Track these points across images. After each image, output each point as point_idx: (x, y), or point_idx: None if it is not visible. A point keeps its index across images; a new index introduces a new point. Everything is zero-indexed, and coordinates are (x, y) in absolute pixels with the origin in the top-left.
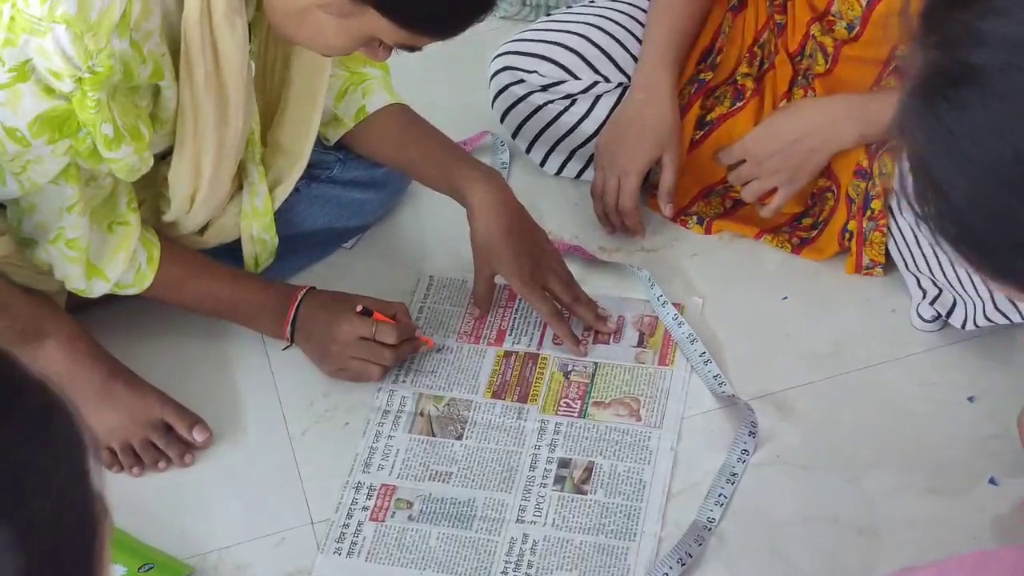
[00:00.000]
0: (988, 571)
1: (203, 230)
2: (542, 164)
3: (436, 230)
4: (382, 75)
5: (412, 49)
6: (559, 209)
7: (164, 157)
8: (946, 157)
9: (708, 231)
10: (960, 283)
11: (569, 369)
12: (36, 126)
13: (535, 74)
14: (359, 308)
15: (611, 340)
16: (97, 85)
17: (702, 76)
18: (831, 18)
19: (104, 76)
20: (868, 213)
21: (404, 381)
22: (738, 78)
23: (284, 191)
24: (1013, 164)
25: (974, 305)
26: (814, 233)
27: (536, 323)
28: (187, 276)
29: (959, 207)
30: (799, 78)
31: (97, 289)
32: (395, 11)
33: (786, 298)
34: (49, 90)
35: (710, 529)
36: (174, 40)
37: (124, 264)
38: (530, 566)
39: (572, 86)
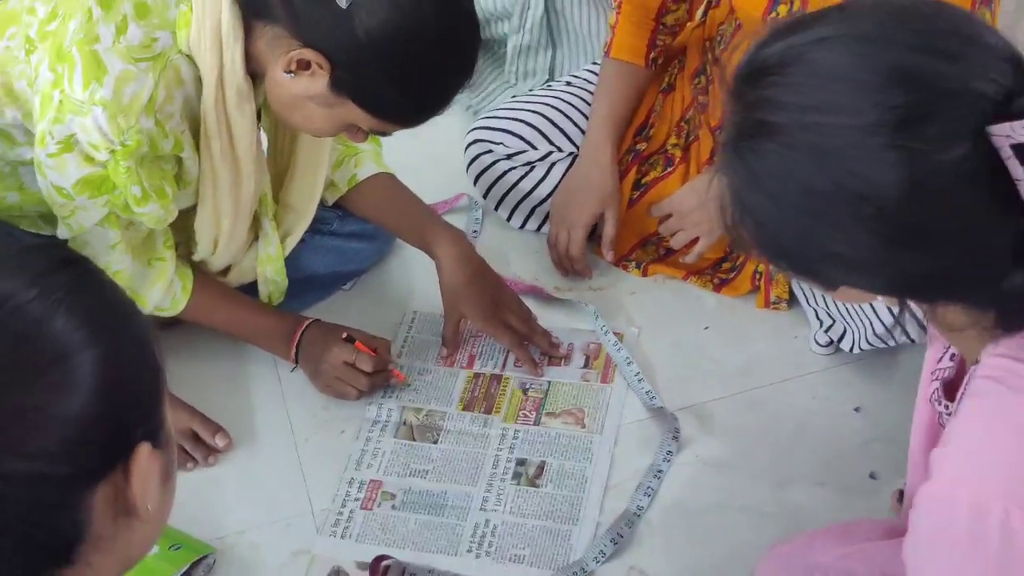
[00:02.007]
0: (850, 536)
1: (226, 271)
2: (508, 219)
3: (419, 274)
4: (373, 148)
5: (383, 134)
6: (522, 257)
7: (192, 208)
8: (755, 192)
9: (644, 274)
10: (848, 314)
11: (527, 387)
12: (78, 186)
13: (501, 145)
14: (344, 335)
15: (562, 363)
16: (127, 156)
17: (638, 147)
18: None
19: (133, 148)
20: None
21: (391, 396)
22: (668, 148)
23: (292, 241)
24: (803, 195)
25: (859, 332)
26: (731, 275)
27: (500, 350)
28: (215, 303)
29: (767, 227)
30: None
31: None
32: (369, 105)
33: (707, 328)
34: (89, 159)
35: (639, 515)
36: (194, 119)
37: (161, 293)
38: (491, 546)
39: (531, 155)
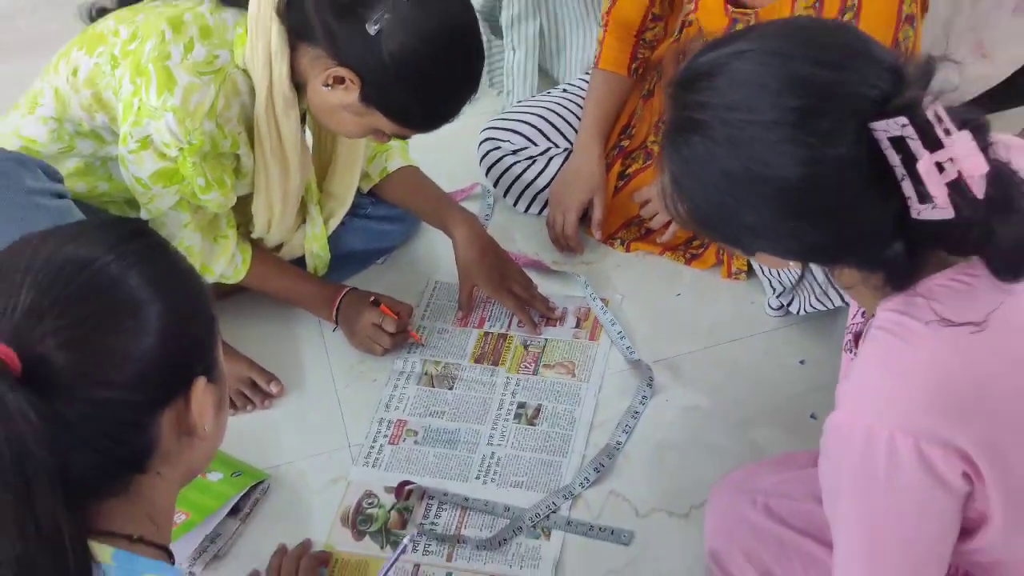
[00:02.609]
0: (789, 464)
1: (279, 247)
2: (514, 205)
3: (439, 251)
4: (400, 145)
5: (403, 137)
6: (526, 236)
7: (249, 196)
8: (686, 176)
9: (627, 250)
10: (793, 289)
11: (527, 343)
12: (154, 177)
13: (508, 143)
14: (372, 299)
15: (557, 324)
16: (193, 153)
17: (623, 143)
18: None
19: (197, 147)
20: None
21: (415, 351)
22: (648, 144)
23: (334, 223)
24: (722, 177)
25: (804, 298)
26: (700, 251)
27: (506, 313)
28: (270, 273)
29: (697, 205)
30: None
31: (207, 280)
32: (392, 114)
33: (679, 295)
34: (162, 155)
35: (618, 449)
36: (249, 123)
37: (225, 264)
38: (495, 474)
39: (532, 151)
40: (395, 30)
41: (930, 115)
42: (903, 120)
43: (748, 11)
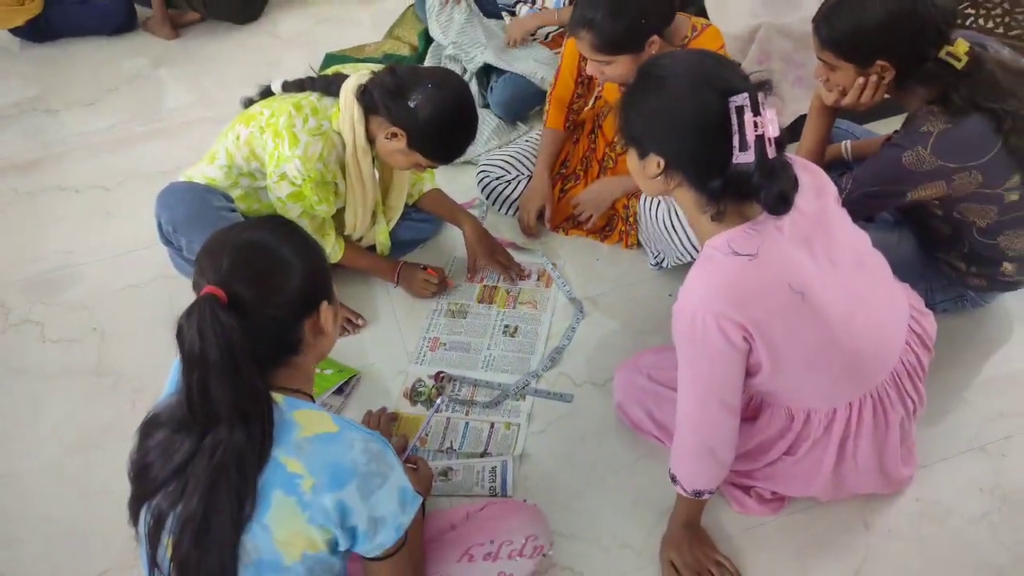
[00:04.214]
0: (660, 351)
1: (360, 240)
2: (499, 210)
3: (455, 240)
4: (430, 175)
5: (433, 167)
6: (507, 228)
7: (342, 209)
8: (629, 110)
9: (566, 234)
10: (666, 247)
11: (509, 291)
12: (288, 197)
13: (495, 172)
14: (423, 267)
15: (527, 279)
16: (311, 182)
17: (562, 171)
18: (614, 144)
19: (314, 178)
20: (629, 222)
21: (443, 298)
22: (577, 171)
23: (392, 224)
24: (671, 114)
25: (670, 257)
26: (609, 232)
27: (496, 276)
28: (356, 254)
29: (631, 126)
30: (602, 171)
31: None
32: (426, 154)
33: (598, 259)
34: (292, 183)
35: (563, 348)
36: (342, 164)
37: (329, 249)
38: (492, 365)
39: (508, 177)
40: (426, 104)
41: (759, 99)
42: (744, 97)
43: None
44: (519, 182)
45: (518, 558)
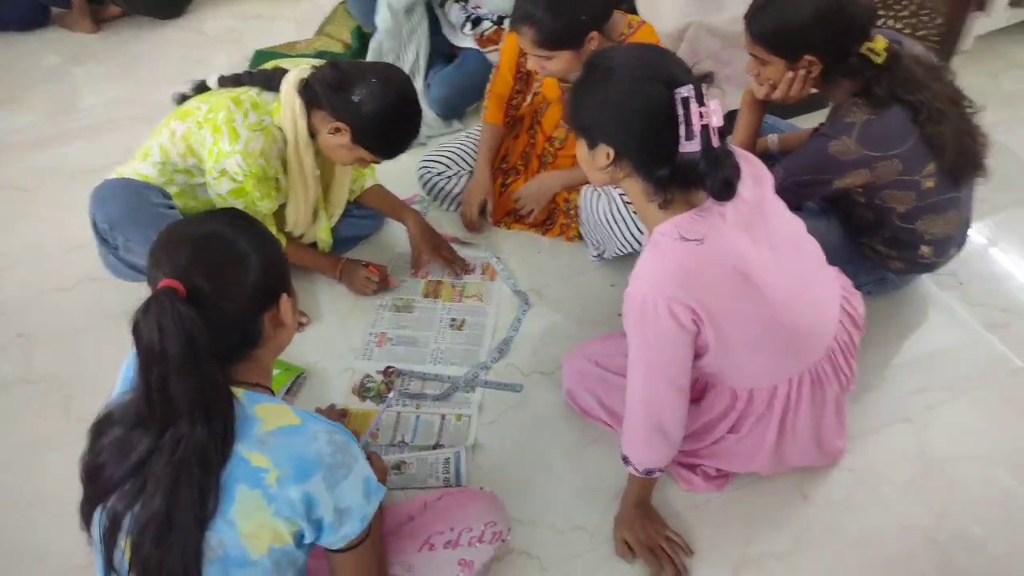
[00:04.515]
0: (607, 338)
1: (301, 237)
2: (440, 205)
3: (397, 235)
4: (370, 171)
5: (376, 162)
6: (449, 223)
7: (283, 205)
8: (577, 99)
9: (508, 228)
10: (606, 239)
11: (454, 285)
12: (229, 194)
13: (436, 168)
14: (364, 264)
15: (472, 274)
16: (252, 177)
17: (502, 166)
18: (553, 139)
19: (255, 174)
20: (570, 215)
21: (388, 294)
22: (517, 166)
23: (333, 220)
24: (619, 105)
25: (611, 249)
26: (550, 226)
27: (441, 271)
28: (298, 251)
29: (580, 116)
30: (542, 166)
31: None
32: (370, 149)
33: (540, 252)
34: (233, 179)
35: (509, 341)
36: (284, 160)
37: None
38: (441, 358)
39: (450, 172)
40: (370, 99)
41: (703, 89)
42: (689, 88)
43: (569, 84)
44: (460, 177)
45: (478, 544)
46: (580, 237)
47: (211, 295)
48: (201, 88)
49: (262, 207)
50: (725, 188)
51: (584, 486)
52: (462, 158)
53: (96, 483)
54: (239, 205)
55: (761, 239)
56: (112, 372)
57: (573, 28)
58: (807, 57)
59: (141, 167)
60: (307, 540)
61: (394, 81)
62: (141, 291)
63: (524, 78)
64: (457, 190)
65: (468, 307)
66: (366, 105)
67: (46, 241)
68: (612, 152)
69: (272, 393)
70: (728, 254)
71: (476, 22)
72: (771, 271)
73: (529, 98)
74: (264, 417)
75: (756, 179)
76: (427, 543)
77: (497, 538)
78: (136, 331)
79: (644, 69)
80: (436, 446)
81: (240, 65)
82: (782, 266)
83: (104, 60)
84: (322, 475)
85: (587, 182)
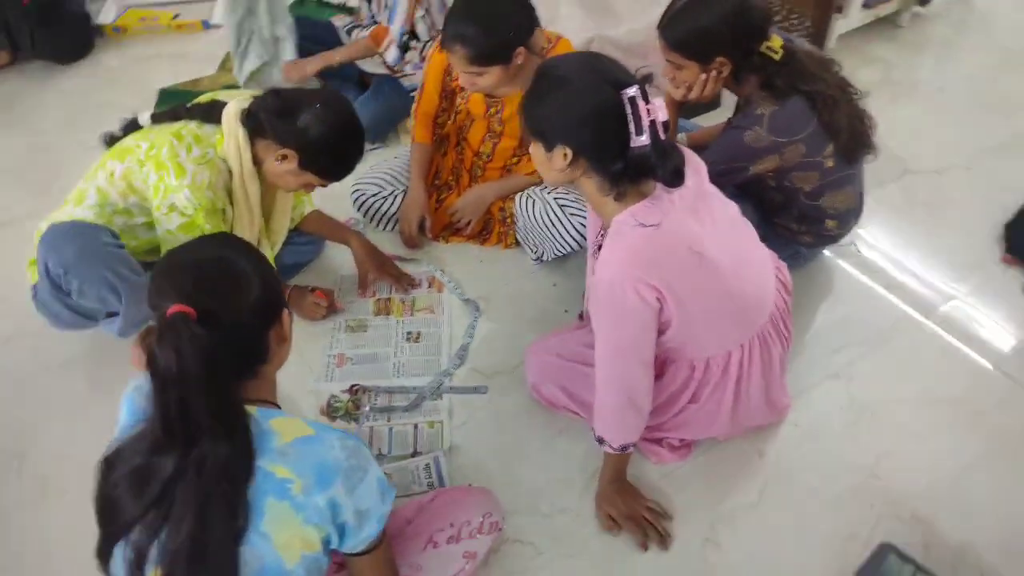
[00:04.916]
0: (563, 332)
1: None
2: (376, 226)
3: (341, 258)
4: (308, 198)
5: (324, 186)
6: (388, 242)
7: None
8: (531, 108)
9: (447, 241)
10: (543, 242)
11: (403, 300)
12: (178, 228)
13: (369, 190)
14: (311, 289)
15: (419, 287)
16: (202, 210)
17: (435, 182)
18: (480, 153)
19: (205, 207)
20: (507, 223)
21: (340, 316)
22: (449, 181)
23: (276, 248)
24: (574, 108)
25: (550, 251)
26: (487, 236)
27: (388, 288)
28: None
29: (534, 121)
30: (472, 179)
31: None
32: (318, 172)
33: (481, 261)
34: (183, 214)
35: (466, 347)
36: (229, 191)
37: None
38: (402, 371)
39: (384, 193)
40: (315, 123)
41: (648, 90)
42: (635, 89)
43: (497, 100)
44: (396, 197)
45: (479, 535)
46: (517, 243)
47: (220, 315)
48: (131, 126)
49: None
50: (676, 176)
51: (561, 472)
52: (396, 178)
53: (114, 518)
54: (185, 240)
55: (706, 220)
56: (65, 424)
57: (502, 45)
58: (718, 59)
59: (76, 211)
60: (333, 546)
61: (336, 104)
62: (79, 341)
63: (449, 96)
64: (392, 209)
65: (421, 320)
66: (312, 129)
67: None
68: (570, 152)
69: (279, 408)
70: (683, 235)
71: (404, 48)
72: (718, 248)
73: (452, 116)
74: (280, 430)
75: (693, 169)
76: (430, 541)
77: (494, 528)
78: (151, 361)
79: (593, 74)
80: (414, 454)
81: (147, 104)
82: (726, 243)
83: None
84: (341, 479)
85: (519, 190)
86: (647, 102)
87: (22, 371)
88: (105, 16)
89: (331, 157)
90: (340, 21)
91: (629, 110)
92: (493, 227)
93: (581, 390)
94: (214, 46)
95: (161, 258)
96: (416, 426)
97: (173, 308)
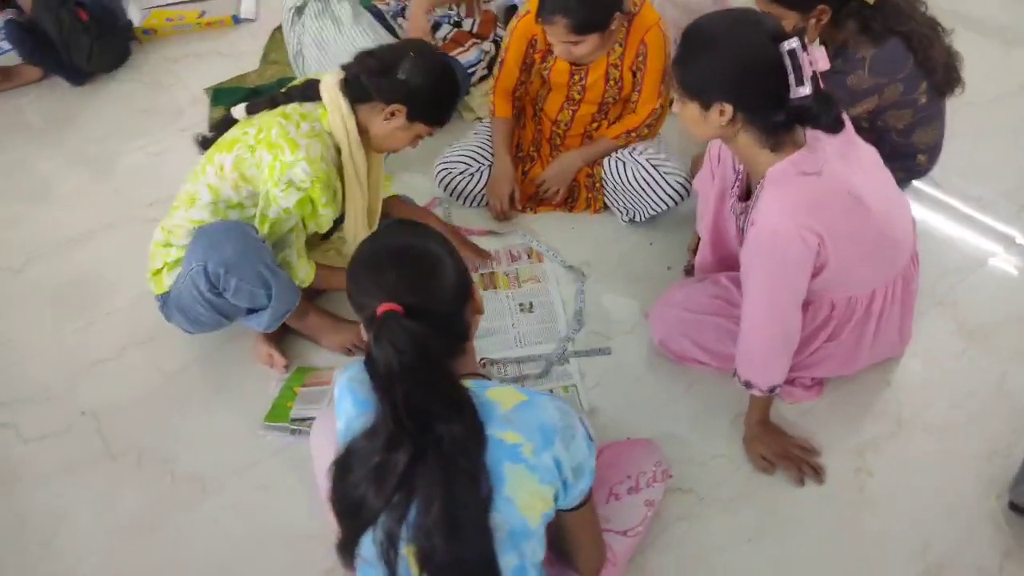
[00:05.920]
0: (683, 283)
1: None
2: (463, 204)
3: None
4: (389, 183)
5: (431, 133)
6: (477, 218)
7: (338, 223)
8: (687, 62)
9: (535, 211)
10: (635, 203)
11: (507, 273)
12: (295, 205)
13: (454, 169)
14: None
15: (522, 260)
16: (319, 182)
17: (518, 155)
18: (559, 122)
19: (321, 179)
20: (596, 188)
21: None
22: (531, 152)
23: (374, 227)
24: (734, 64)
25: (641, 212)
26: (575, 203)
27: (475, 265)
28: (327, 274)
29: (692, 75)
30: (553, 148)
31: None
32: (427, 119)
33: (573, 228)
34: (300, 188)
35: (581, 312)
36: (337, 164)
37: (300, 274)
38: (524, 340)
39: (471, 170)
40: (416, 72)
41: (806, 42)
42: (795, 41)
43: (583, 67)
44: (481, 174)
45: (655, 484)
46: (605, 207)
47: (426, 305)
48: (225, 122)
49: (325, 216)
50: (838, 122)
51: (702, 421)
52: (480, 155)
53: (359, 515)
54: (292, 221)
55: (855, 166)
56: (202, 426)
57: (603, 12)
58: (819, 7)
59: (192, 213)
60: (558, 503)
61: (426, 49)
62: (189, 347)
63: (527, 69)
64: (478, 187)
65: (529, 290)
66: (414, 79)
67: (60, 317)
68: (729, 108)
69: (488, 379)
70: (843, 181)
71: (435, 27)
72: (869, 191)
73: (526, 88)
74: (499, 399)
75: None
76: (612, 495)
77: (667, 475)
78: (370, 362)
79: (749, 28)
80: None
81: (198, 101)
82: (875, 187)
83: (39, 126)
84: (559, 438)
85: (604, 155)
86: (806, 52)
87: (147, 379)
88: (131, 19)
89: (436, 101)
90: (384, 5)
91: (788, 61)
92: (579, 193)
93: (712, 341)
94: (247, 40)
95: (354, 255)
96: (551, 391)
97: (383, 307)
